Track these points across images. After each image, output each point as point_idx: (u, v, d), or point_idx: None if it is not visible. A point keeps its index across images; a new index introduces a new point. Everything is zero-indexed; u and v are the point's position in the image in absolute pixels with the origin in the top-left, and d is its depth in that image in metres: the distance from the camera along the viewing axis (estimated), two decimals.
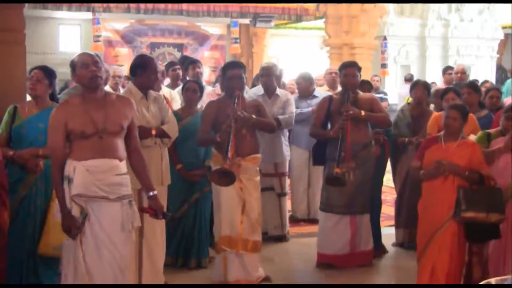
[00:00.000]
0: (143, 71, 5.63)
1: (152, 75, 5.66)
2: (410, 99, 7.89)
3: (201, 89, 6.76)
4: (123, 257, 4.49)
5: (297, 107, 8.38)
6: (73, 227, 4.34)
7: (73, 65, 4.54)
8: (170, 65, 8.48)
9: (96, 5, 14.50)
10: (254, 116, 5.92)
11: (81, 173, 4.32)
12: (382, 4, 15.62)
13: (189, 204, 6.48)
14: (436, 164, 5.60)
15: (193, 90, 6.62)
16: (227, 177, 5.58)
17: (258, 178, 6.09)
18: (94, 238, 4.36)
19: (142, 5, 14.59)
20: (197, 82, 6.94)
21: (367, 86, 7.56)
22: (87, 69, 4.43)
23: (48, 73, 5.46)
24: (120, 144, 4.51)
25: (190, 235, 6.53)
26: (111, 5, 14.53)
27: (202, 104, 7.15)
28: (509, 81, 13.02)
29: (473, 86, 7.51)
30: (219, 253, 6.00)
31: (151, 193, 4.71)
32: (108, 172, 4.39)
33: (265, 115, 6.16)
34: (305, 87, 8.68)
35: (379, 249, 7.19)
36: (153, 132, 5.56)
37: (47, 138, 4.54)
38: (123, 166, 4.52)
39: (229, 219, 5.88)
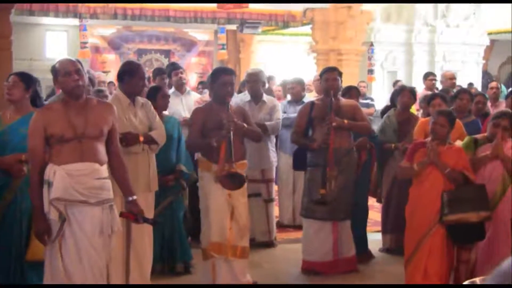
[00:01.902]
0: (131, 78, 5.63)
1: (139, 82, 5.66)
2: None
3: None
4: (103, 261, 4.49)
5: (285, 112, 8.40)
6: (45, 232, 4.35)
7: (55, 71, 4.55)
8: (158, 72, 8.46)
9: (82, 11, 14.48)
10: (245, 125, 5.94)
11: (61, 177, 4.32)
12: (369, 10, 15.68)
13: (163, 206, 6.42)
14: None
15: (168, 96, 6.65)
16: (236, 180, 5.59)
17: (245, 183, 6.09)
18: (75, 242, 4.35)
19: (129, 11, 14.59)
20: (160, 86, 6.95)
21: (354, 92, 7.56)
22: (69, 77, 4.44)
23: (23, 77, 5.43)
24: (100, 148, 4.51)
25: (171, 239, 6.53)
26: (98, 11, 14.52)
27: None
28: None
29: (470, 93, 7.63)
30: (207, 259, 5.99)
31: (130, 198, 4.72)
32: (88, 176, 4.39)
33: (250, 123, 6.17)
34: (298, 92, 8.72)
35: (366, 254, 7.21)
36: (141, 138, 5.56)
37: (28, 142, 4.53)
38: (104, 170, 4.52)
39: (218, 226, 5.86)
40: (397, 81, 16.07)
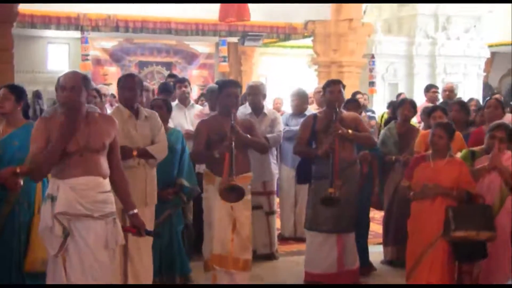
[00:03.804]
0: (119, 89, 5.71)
1: (125, 92, 5.65)
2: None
3: (168, 105, 6.63)
4: (109, 276, 4.47)
5: (287, 125, 8.39)
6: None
7: (58, 83, 4.52)
8: (164, 89, 8.43)
9: (84, 23, 14.49)
10: (248, 135, 5.94)
11: (64, 191, 4.31)
12: (369, 22, 15.73)
13: (162, 219, 6.35)
14: (422, 188, 5.65)
15: (158, 107, 6.43)
16: (236, 192, 5.57)
17: (249, 196, 6.06)
18: (79, 256, 4.34)
19: (130, 24, 14.60)
20: (163, 99, 6.87)
21: (353, 105, 7.51)
22: (62, 93, 4.41)
23: (14, 89, 5.43)
24: (103, 161, 4.49)
25: (169, 253, 6.46)
26: (100, 23, 14.52)
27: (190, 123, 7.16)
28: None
29: (462, 104, 7.58)
30: (208, 271, 5.98)
31: (131, 212, 4.71)
32: (92, 189, 4.38)
33: (257, 135, 6.16)
34: (299, 105, 8.66)
35: (367, 266, 7.19)
36: (134, 153, 5.52)
37: (30, 148, 4.46)
38: (107, 183, 4.51)
39: (220, 238, 5.85)
40: (400, 94, 16.12)
